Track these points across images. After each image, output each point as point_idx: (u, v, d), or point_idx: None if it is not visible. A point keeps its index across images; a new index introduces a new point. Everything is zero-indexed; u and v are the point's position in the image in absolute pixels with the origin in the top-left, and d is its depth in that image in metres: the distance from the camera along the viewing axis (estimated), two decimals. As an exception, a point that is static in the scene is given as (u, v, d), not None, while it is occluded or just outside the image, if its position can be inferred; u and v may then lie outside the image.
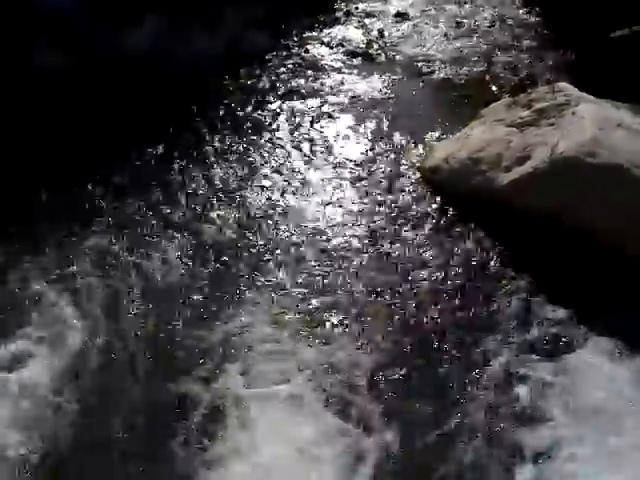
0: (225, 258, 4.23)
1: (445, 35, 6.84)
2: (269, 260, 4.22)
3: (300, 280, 4.07)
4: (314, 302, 3.93)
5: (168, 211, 4.57)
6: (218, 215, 4.55)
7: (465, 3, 7.53)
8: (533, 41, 6.63)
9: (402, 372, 3.56)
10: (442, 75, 6.14)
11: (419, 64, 6.33)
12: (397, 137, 5.29)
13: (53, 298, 3.89)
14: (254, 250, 4.29)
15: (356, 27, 7.05)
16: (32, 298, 3.91)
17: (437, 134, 5.27)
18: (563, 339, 3.69)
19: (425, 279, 4.09)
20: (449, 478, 3.11)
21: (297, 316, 3.84)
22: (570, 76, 5.38)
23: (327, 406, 3.36)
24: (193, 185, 4.81)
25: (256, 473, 3.10)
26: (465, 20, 7.16)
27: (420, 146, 5.17)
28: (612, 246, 4.05)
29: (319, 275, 4.11)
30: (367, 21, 7.16)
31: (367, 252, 4.29)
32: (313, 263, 4.19)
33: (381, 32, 6.90)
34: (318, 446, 3.17)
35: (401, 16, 7.24)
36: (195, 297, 3.97)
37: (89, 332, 3.72)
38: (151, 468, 3.16)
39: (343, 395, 3.42)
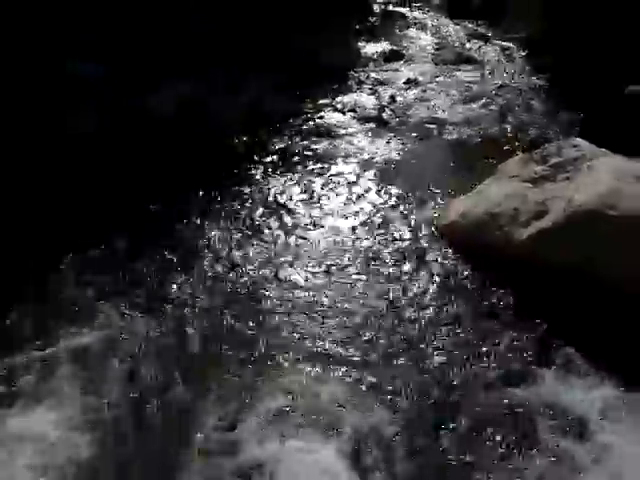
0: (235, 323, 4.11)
1: (455, 99, 7.00)
2: (280, 320, 4.10)
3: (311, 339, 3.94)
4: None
5: (172, 272, 4.50)
6: (225, 277, 4.47)
7: (474, 70, 7.78)
8: (544, 103, 6.76)
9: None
10: (454, 136, 6.23)
11: (431, 127, 6.44)
12: (412, 196, 5.28)
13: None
14: (263, 313, 4.16)
15: (368, 94, 7.26)
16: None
17: (452, 192, 5.25)
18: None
19: (445, 337, 3.93)
20: None
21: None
22: (583, 133, 5.38)
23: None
24: (204, 247, 4.75)
25: None
26: (474, 85, 7.36)
27: (436, 204, 5.15)
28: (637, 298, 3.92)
29: (332, 332, 3.97)
30: (379, 88, 7.38)
31: (384, 311, 4.15)
32: (324, 322, 4.05)
33: (393, 98, 7.08)
34: None
35: (412, 83, 7.47)
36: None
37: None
38: None
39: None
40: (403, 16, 9.93)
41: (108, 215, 5.07)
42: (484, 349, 3.81)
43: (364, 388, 3.56)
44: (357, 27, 9.20)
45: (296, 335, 3.93)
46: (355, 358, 3.76)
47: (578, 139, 4.91)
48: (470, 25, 9.18)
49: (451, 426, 3.32)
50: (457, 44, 8.60)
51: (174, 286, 4.37)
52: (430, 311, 4.12)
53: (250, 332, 3.97)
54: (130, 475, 3.14)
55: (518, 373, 3.63)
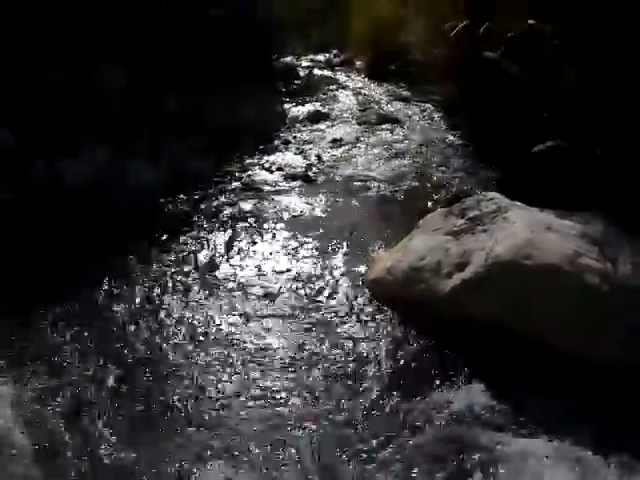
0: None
1: (379, 157, 7.25)
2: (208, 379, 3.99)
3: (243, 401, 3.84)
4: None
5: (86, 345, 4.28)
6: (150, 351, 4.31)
7: (395, 130, 8.11)
8: (461, 159, 7.09)
9: None
10: (378, 192, 6.42)
11: (356, 183, 6.62)
12: (339, 252, 5.35)
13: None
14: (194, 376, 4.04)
15: (295, 153, 7.41)
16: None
17: (378, 246, 5.36)
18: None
19: (370, 391, 3.91)
20: None
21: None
22: (498, 188, 5.66)
23: None
24: (128, 320, 4.53)
25: None
26: (396, 144, 7.64)
27: (364, 259, 5.22)
28: (557, 347, 4.03)
29: (261, 390, 3.88)
30: (305, 147, 7.56)
31: (311, 364, 4.11)
32: (254, 379, 3.96)
33: (319, 156, 7.25)
34: None
35: (337, 142, 7.70)
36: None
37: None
38: None
39: None
40: (327, 79, 10.29)
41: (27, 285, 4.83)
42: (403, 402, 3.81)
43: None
44: (283, 90, 9.46)
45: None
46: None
47: (494, 193, 5.15)
48: (390, 87, 9.63)
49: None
50: (379, 105, 8.97)
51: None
52: (353, 364, 4.11)
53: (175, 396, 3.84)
54: None
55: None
